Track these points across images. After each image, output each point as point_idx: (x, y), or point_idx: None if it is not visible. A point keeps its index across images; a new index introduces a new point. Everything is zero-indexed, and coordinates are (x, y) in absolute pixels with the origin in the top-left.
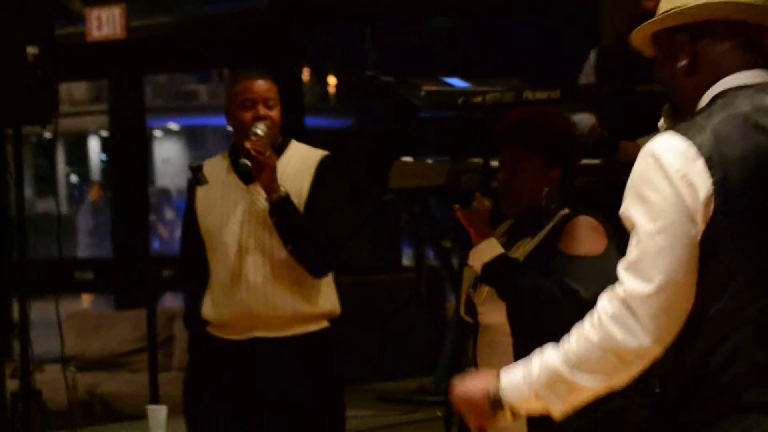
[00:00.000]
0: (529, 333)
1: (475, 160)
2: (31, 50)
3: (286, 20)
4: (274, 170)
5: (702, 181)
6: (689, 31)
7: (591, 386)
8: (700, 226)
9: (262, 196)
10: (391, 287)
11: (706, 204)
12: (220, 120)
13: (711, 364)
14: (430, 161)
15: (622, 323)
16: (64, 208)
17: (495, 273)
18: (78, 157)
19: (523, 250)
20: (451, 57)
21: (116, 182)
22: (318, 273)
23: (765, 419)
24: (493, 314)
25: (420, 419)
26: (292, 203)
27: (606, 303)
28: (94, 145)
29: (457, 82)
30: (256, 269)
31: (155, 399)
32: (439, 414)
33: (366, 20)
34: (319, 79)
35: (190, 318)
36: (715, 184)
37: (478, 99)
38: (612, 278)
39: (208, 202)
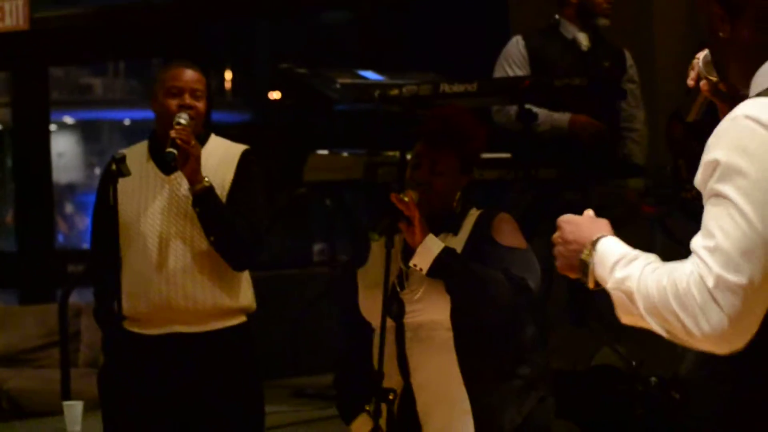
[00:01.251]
0: (474, 326)
1: (392, 153)
2: None
3: (190, 13)
4: (198, 160)
5: None
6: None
7: (653, 328)
8: None
9: (183, 185)
10: (303, 282)
11: None
12: (116, 114)
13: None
14: (345, 154)
15: (697, 307)
16: None
17: (446, 267)
18: None
19: (452, 244)
20: (345, 51)
21: (19, 176)
22: (240, 266)
23: None
24: (432, 311)
25: (336, 414)
26: (215, 194)
27: (690, 282)
28: None
29: (371, 75)
30: (176, 260)
31: (66, 395)
32: (368, 408)
33: (269, 14)
34: (213, 74)
35: (101, 314)
36: None
37: (395, 92)
38: (535, 270)
39: (125, 192)
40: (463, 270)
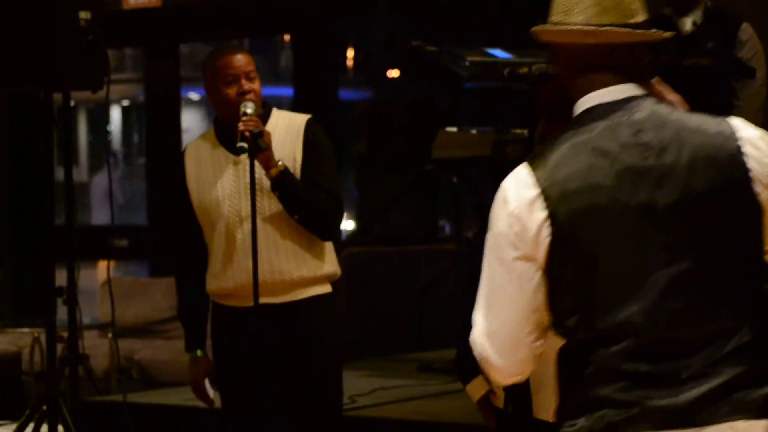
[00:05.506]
0: None
1: (520, 131)
2: (83, 15)
3: None
4: (269, 147)
5: (536, 215)
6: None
7: None
8: (540, 257)
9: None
10: (429, 258)
11: (539, 234)
12: None
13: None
14: (474, 132)
15: None
16: (85, 177)
17: None
18: (98, 127)
19: None
20: (463, 28)
21: (150, 151)
22: (326, 236)
23: (615, 411)
24: None
25: (462, 389)
26: (291, 175)
27: None
28: (115, 114)
29: (499, 53)
30: (258, 237)
31: None
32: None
33: None
34: (337, 52)
35: (186, 311)
36: (549, 215)
37: (524, 70)
38: None
39: (201, 181)
40: None
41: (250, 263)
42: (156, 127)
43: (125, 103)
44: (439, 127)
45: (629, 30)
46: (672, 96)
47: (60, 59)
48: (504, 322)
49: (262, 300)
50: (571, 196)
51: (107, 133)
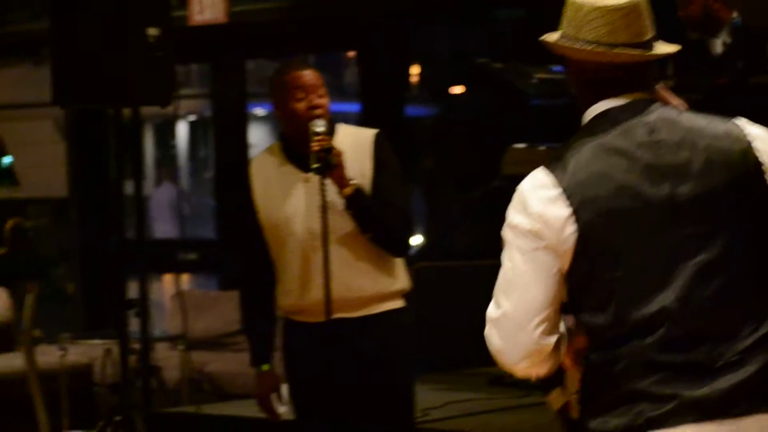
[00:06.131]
0: None
1: None
2: (152, 32)
3: (388, 7)
4: (343, 165)
5: (559, 212)
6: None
7: None
8: (563, 253)
9: (326, 181)
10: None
11: (563, 230)
12: None
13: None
14: (543, 148)
15: None
16: (151, 191)
17: None
18: (165, 141)
19: None
20: (522, 47)
21: (219, 166)
22: (399, 253)
23: (652, 405)
24: None
25: (533, 403)
26: (364, 193)
27: None
28: (182, 129)
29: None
30: (331, 253)
31: None
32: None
33: (453, 10)
34: (400, 68)
35: (252, 326)
36: (573, 212)
37: None
38: None
39: (269, 197)
40: None
41: (324, 281)
42: (223, 141)
43: (192, 117)
44: (506, 143)
45: (639, 51)
46: (675, 101)
47: (129, 75)
48: (513, 308)
49: (336, 315)
50: (593, 195)
51: (173, 147)
